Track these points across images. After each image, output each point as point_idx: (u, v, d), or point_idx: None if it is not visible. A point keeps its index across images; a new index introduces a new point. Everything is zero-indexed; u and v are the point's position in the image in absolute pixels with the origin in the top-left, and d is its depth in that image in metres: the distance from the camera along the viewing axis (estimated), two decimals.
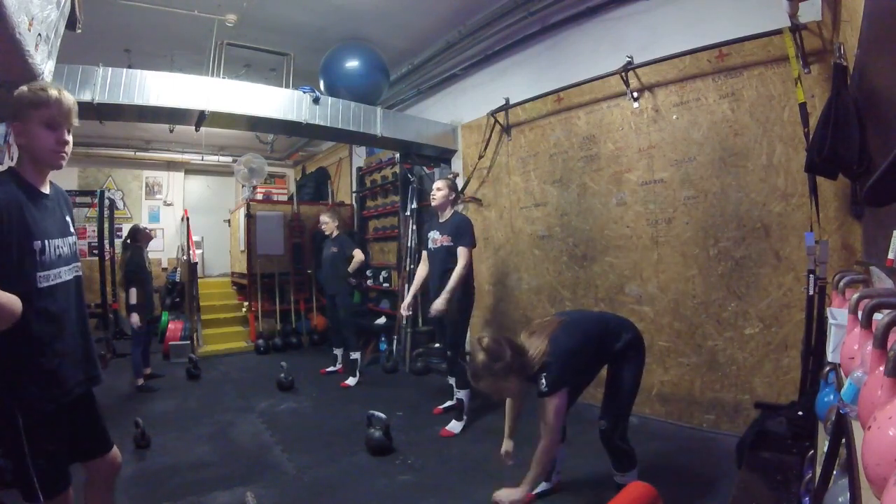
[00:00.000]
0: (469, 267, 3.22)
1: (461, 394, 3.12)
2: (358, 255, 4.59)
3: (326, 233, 4.71)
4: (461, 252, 3.18)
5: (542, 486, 2.33)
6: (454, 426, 3.11)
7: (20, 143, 1.31)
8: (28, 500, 1.24)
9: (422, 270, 3.49)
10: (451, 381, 3.52)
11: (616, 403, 2.06)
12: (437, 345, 3.86)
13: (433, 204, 3.43)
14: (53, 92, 1.31)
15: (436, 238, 3.34)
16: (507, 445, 2.17)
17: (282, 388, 4.25)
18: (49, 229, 1.34)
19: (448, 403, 3.55)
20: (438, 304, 3.14)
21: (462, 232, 3.25)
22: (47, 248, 1.31)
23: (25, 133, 1.30)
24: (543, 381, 1.86)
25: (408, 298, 3.53)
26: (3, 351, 1.20)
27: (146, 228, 4.74)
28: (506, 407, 2.17)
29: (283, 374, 4.31)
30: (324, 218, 4.74)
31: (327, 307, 5.16)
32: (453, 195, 3.40)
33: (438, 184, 3.39)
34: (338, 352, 4.86)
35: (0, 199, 1.22)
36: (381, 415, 2.88)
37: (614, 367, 2.09)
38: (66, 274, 1.39)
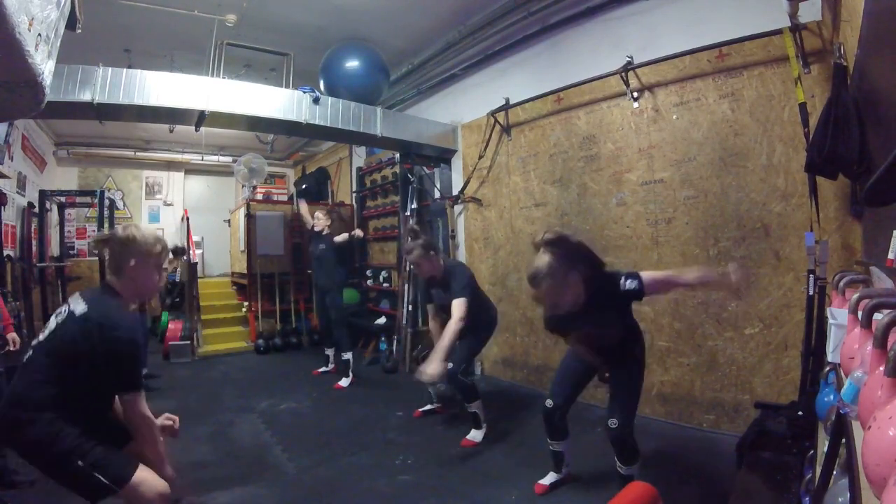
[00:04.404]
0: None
1: (473, 406, 3.08)
2: (343, 237, 4.61)
3: (318, 229, 4.66)
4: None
5: (553, 477, 2.39)
6: (475, 435, 3.05)
7: (132, 276, 1.60)
8: (105, 496, 1.42)
9: (435, 324, 3.20)
10: (431, 389, 3.51)
11: (626, 402, 2.06)
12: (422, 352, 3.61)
13: (424, 276, 3.13)
14: (164, 242, 1.67)
15: (444, 297, 3.10)
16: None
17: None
18: None
19: (428, 407, 3.56)
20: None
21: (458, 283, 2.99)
22: None
23: (141, 272, 1.61)
24: (626, 279, 1.82)
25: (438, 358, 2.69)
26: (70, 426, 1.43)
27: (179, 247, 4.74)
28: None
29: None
30: (318, 214, 4.73)
31: (318, 305, 5.12)
32: (434, 256, 3.07)
33: (414, 258, 3.05)
34: (329, 352, 4.83)
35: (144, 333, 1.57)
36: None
37: (623, 366, 2.09)
38: None
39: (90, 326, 1.46)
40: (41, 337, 1.52)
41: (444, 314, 3.16)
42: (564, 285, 1.75)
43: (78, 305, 1.52)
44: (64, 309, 1.54)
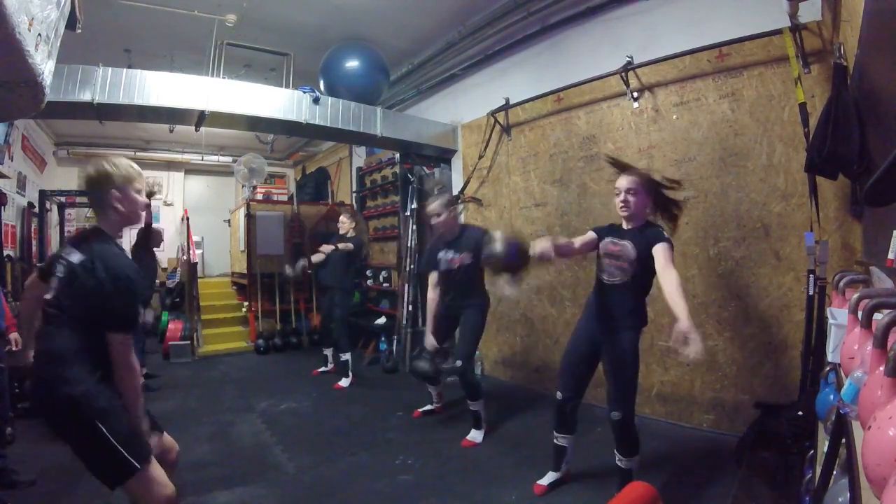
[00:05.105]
0: None
1: (476, 405, 3.07)
2: (346, 246, 4.46)
3: (341, 231, 4.63)
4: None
5: (553, 476, 2.40)
6: (475, 435, 3.05)
7: (117, 206, 1.58)
8: (125, 477, 1.43)
9: (434, 295, 3.15)
10: (431, 389, 3.48)
11: (625, 392, 2.08)
12: (426, 356, 3.21)
13: (440, 230, 3.14)
14: (136, 166, 1.66)
15: (452, 258, 3.07)
16: None
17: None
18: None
19: (428, 407, 3.55)
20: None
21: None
22: None
23: (125, 200, 1.59)
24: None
25: (430, 333, 3.13)
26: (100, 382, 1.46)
27: (159, 230, 4.69)
28: None
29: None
30: (343, 218, 4.71)
31: (324, 303, 5.12)
32: (453, 211, 3.13)
33: (435, 208, 3.07)
34: (327, 352, 4.82)
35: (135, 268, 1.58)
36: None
37: (614, 342, 2.14)
38: None
39: (87, 271, 1.47)
40: (48, 296, 1.53)
41: (446, 283, 3.14)
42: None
43: (73, 255, 1.52)
44: (60, 263, 1.54)
